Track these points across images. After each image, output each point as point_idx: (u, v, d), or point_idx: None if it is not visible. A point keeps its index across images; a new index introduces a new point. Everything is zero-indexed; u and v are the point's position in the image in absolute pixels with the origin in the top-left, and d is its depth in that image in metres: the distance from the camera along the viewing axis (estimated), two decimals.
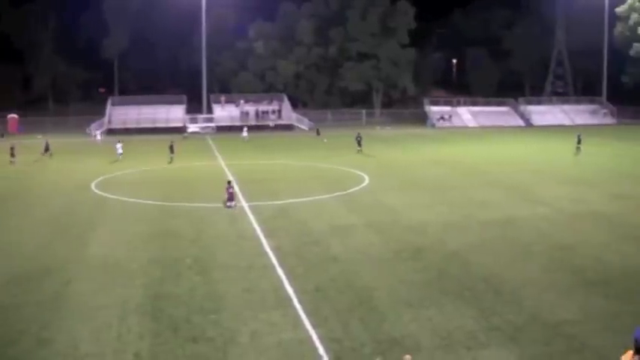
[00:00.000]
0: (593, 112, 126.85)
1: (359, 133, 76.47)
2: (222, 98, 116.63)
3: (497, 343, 22.00)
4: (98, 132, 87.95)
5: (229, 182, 44.88)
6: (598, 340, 22.15)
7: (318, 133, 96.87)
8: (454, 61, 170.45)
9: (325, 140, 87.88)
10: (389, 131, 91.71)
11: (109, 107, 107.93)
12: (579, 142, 69.31)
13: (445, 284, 27.76)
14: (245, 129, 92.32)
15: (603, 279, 28.47)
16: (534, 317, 24.10)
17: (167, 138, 77.65)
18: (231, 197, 43.65)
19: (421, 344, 21.85)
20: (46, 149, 69.82)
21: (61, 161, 56.36)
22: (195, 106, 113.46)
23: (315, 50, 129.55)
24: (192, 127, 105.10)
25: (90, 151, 68.17)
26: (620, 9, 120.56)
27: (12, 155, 65.69)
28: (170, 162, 65.78)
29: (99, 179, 55.13)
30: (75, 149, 68.75)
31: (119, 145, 68.37)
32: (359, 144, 73.68)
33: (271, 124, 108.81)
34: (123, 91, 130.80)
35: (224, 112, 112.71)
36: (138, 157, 70.54)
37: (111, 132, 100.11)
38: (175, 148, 67.74)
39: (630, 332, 22.77)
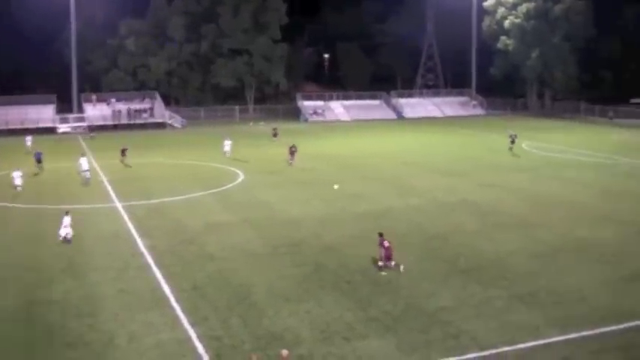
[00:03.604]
0: (463, 104, 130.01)
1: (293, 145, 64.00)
2: (94, 97, 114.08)
3: (375, 334, 22.40)
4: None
5: (381, 234, 30.02)
6: (473, 325, 22.87)
7: (275, 135, 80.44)
8: (326, 55, 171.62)
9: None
10: (262, 127, 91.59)
11: None
12: (513, 142, 68.05)
13: (323, 277, 28.07)
14: (228, 142, 68.22)
15: (476, 266, 29.36)
16: (411, 306, 24.65)
17: (38, 139, 75.34)
18: (389, 255, 29.20)
19: (301, 337, 22.05)
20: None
21: None
22: (65, 106, 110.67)
23: (187, 47, 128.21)
24: (63, 128, 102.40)
25: None
26: (487, 3, 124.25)
27: None
28: (126, 165, 60.42)
29: None
30: None
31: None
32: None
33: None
34: None
35: (96, 111, 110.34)
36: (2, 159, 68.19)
37: None
38: (128, 153, 62.30)
39: (503, 316, 23.64)
